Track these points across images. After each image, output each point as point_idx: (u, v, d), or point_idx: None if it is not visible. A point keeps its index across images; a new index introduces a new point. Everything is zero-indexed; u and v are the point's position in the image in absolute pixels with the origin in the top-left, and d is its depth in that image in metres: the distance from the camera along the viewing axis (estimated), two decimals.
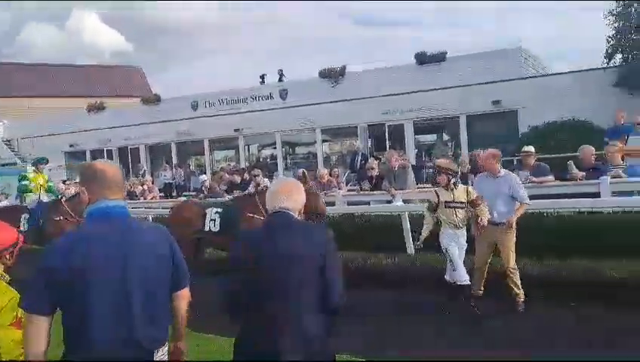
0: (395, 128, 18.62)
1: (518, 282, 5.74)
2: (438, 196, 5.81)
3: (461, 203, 5.71)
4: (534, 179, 7.55)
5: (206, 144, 22.07)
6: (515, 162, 11.47)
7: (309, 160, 20.84)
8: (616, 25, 14.33)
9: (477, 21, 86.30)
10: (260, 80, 22.11)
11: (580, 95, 15.02)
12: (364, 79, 19.12)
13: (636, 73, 13.88)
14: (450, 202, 5.73)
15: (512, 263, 5.72)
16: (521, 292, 5.71)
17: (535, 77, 17.56)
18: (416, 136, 19.50)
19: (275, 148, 21.36)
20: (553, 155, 9.45)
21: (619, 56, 14.69)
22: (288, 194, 2.60)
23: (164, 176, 18.75)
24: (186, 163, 22.73)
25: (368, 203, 9.34)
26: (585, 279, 5.70)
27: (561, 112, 14.73)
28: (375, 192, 9.41)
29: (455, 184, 5.80)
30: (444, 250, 5.79)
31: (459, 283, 5.62)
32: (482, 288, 5.91)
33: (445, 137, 20.42)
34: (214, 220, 6.54)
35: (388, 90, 18.05)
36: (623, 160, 7.32)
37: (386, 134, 18.76)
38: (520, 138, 15.54)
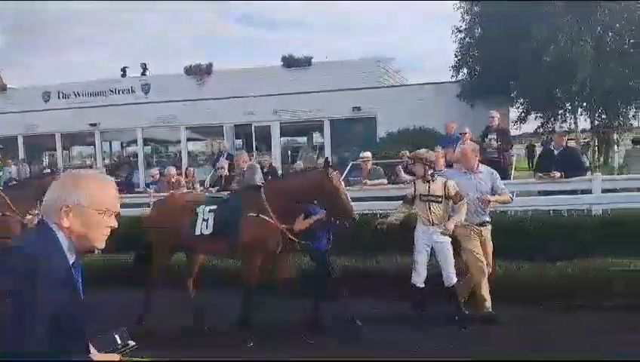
0: (261, 129, 18.67)
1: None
2: (415, 187, 5.39)
3: (437, 197, 5.24)
4: (369, 182, 7.97)
5: (58, 139, 20.37)
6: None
7: (175, 158, 20.15)
8: (462, 41, 15.67)
9: (357, 29, 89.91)
10: (121, 73, 20.90)
11: (430, 105, 16.21)
12: (230, 78, 18.92)
13: (476, 87, 15.31)
14: (425, 195, 5.27)
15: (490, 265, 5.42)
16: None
17: (392, 86, 18.66)
18: (283, 138, 19.77)
19: (145, 145, 20.33)
20: (391, 161, 10.07)
21: (466, 70, 16.07)
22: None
23: (9, 172, 17.03)
24: (39, 159, 20.82)
25: None
26: None
27: (413, 120, 15.81)
28: (221, 193, 9.28)
29: (432, 176, 5.33)
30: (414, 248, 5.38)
31: (415, 285, 5.31)
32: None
33: (310, 140, 20.96)
34: (207, 220, 5.24)
35: (255, 90, 18.07)
36: (444, 166, 7.99)
37: (253, 135, 18.76)
38: (378, 143, 16.47)
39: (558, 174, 6.91)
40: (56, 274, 1.58)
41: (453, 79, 16.30)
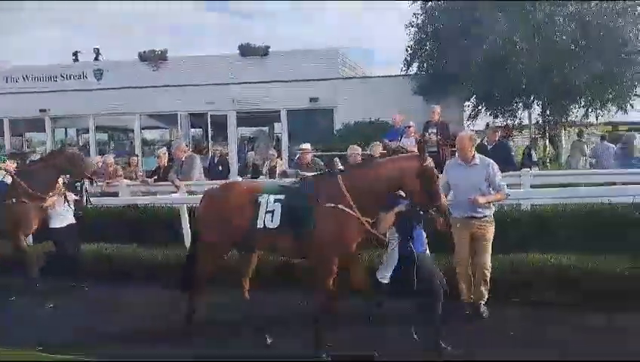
0: (218, 118, 18.36)
1: (488, 284, 5.18)
2: None
3: None
4: (307, 175, 7.87)
5: (6, 125, 19.62)
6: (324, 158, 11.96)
7: (131, 146, 19.67)
8: (416, 36, 15.67)
9: (320, 19, 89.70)
10: (73, 57, 20.22)
11: (387, 98, 16.19)
12: (186, 66, 18.51)
13: (430, 81, 15.35)
14: None
15: (488, 261, 5.15)
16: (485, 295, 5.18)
17: (351, 78, 18.57)
18: (240, 128, 19.49)
19: (102, 132, 19.75)
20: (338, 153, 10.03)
21: (417, 65, 16.11)
22: None
23: None
24: None
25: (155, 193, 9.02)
26: None
27: (371, 113, 15.78)
28: (162, 183, 9.09)
29: None
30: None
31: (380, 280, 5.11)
32: (471, 295, 5.24)
33: (268, 130, 20.74)
34: (272, 212, 4.59)
35: (211, 79, 17.74)
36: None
37: (209, 124, 18.44)
38: (334, 135, 16.41)
39: None
40: None
41: (405, 73, 16.31)
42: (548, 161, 15.06)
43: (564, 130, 15.98)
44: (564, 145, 15.73)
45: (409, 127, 9.68)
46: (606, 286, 5.22)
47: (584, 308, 5.18)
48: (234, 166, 15.97)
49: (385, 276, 5.16)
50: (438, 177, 4.36)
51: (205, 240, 4.96)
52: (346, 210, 4.32)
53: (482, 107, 15.75)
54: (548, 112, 14.52)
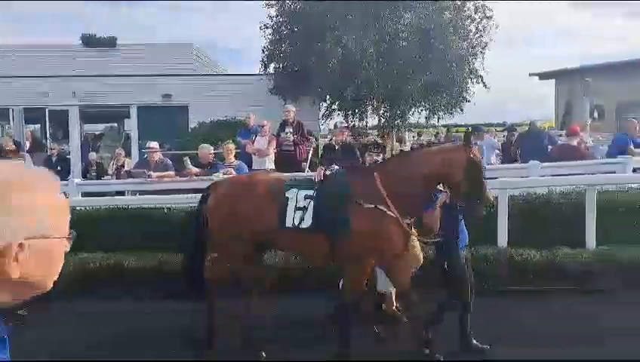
0: (57, 114, 16.72)
1: None
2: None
3: None
4: (154, 174, 7.50)
5: None
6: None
7: None
8: (271, 37, 15.82)
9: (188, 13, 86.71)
10: None
11: (243, 97, 16.09)
12: (16, 55, 16.58)
13: (286, 81, 15.60)
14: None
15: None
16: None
17: (206, 75, 18.16)
18: (88, 125, 18.01)
19: None
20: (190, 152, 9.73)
21: (274, 66, 16.30)
22: None
23: None
24: None
25: None
26: None
27: (226, 111, 15.54)
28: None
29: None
30: None
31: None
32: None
33: (120, 126, 19.46)
34: (303, 209, 4.01)
35: (51, 70, 16.10)
36: (236, 158, 7.88)
37: (47, 120, 16.72)
38: (190, 133, 15.88)
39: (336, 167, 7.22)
40: None
41: (262, 72, 16.41)
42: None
43: (408, 131, 17.37)
44: (408, 146, 17.06)
45: (263, 126, 9.70)
46: None
47: None
48: (77, 166, 14.67)
49: (386, 288, 4.75)
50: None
51: (217, 236, 4.33)
52: (382, 209, 3.90)
53: (335, 107, 16.41)
54: (388, 115, 15.64)
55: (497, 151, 10.78)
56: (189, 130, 16.23)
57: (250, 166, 8.59)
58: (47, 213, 1.01)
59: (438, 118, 16.43)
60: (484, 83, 15.23)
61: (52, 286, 1.05)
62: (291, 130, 10.01)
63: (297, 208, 4.04)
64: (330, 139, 8.72)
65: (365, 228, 3.90)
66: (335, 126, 10.30)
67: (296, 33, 15.11)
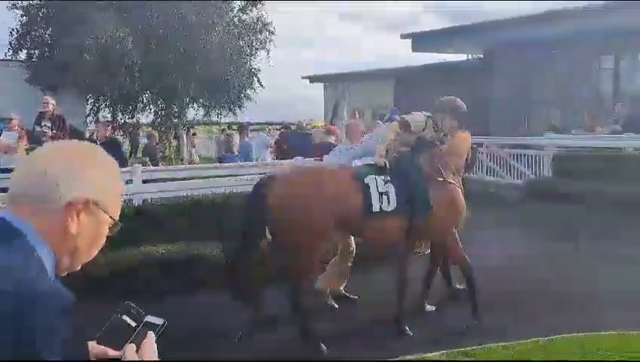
0: None
1: None
2: None
3: None
4: None
5: None
6: None
7: None
8: (22, 19, 13.96)
9: None
10: None
11: None
12: None
13: (45, 70, 13.94)
14: None
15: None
16: None
17: None
18: None
19: None
20: None
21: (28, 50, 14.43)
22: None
23: None
24: None
25: None
26: None
27: None
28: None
29: None
30: None
31: None
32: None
33: None
34: (386, 194, 4.13)
35: None
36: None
37: None
38: None
39: None
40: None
41: (11, 58, 14.40)
42: (172, 156, 15.84)
43: (185, 128, 17.12)
44: (185, 142, 16.83)
45: (11, 119, 8.51)
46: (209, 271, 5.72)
47: (187, 292, 5.57)
48: None
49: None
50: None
51: (289, 226, 4.12)
52: (452, 182, 4.41)
53: (101, 103, 15.31)
54: (163, 113, 15.27)
55: (270, 149, 11.37)
56: None
57: None
58: (112, 188, 1.10)
59: (218, 115, 16.58)
60: (260, 83, 15.88)
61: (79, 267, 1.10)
62: (49, 125, 9.00)
63: (381, 193, 4.20)
64: (92, 135, 8.08)
65: (447, 200, 4.37)
66: (97, 121, 9.58)
67: (52, 18, 13.60)
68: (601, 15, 14.60)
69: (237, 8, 15.48)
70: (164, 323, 1.11)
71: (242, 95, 16.06)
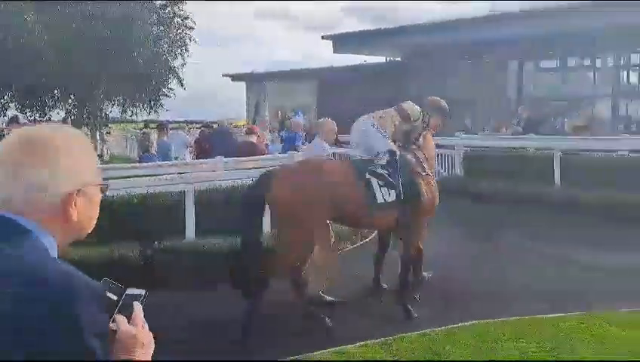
0: None
1: None
2: None
3: None
4: None
5: None
6: None
7: None
8: None
9: None
10: None
11: None
12: None
13: None
14: None
15: None
16: None
17: None
18: None
19: None
20: None
21: None
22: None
23: None
24: None
25: None
26: None
27: None
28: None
29: None
30: None
31: None
32: None
33: None
34: (385, 185, 4.55)
35: None
36: None
37: None
38: None
39: None
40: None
41: None
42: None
43: (104, 126, 16.34)
44: (98, 141, 16.05)
45: None
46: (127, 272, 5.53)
47: None
48: None
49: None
50: None
51: (303, 223, 4.32)
52: (429, 175, 4.91)
53: (10, 99, 14.29)
54: (77, 110, 14.52)
55: (190, 148, 11.13)
56: None
57: None
58: (94, 162, 1.16)
59: (133, 113, 15.98)
60: (181, 81, 15.47)
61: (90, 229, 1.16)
62: None
63: (380, 186, 4.55)
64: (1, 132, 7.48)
65: (430, 190, 4.79)
66: (10, 120, 8.82)
67: None
68: (510, 22, 15.65)
69: (157, 5, 14.98)
70: (146, 292, 1.14)
71: (160, 93, 15.59)
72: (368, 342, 4.06)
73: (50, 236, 1.05)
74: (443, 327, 4.24)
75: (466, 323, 4.31)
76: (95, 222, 1.17)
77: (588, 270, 5.58)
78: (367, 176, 4.58)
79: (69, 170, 1.06)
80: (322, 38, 20.74)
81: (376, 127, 4.82)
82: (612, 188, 7.79)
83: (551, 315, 4.42)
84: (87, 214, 1.12)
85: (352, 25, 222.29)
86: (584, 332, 4.10)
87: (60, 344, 0.90)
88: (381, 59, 22.73)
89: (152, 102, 15.68)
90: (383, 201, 4.53)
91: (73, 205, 1.07)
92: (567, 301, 4.74)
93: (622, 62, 16.51)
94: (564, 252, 6.17)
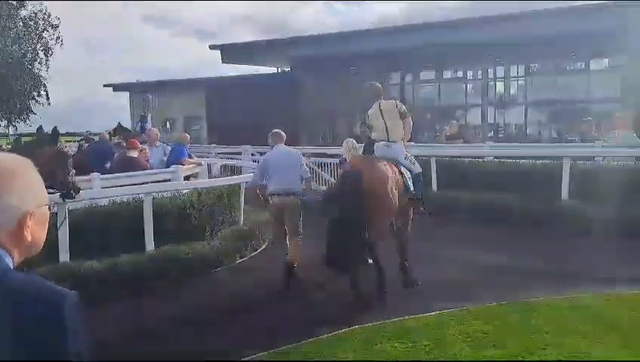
0: None
1: None
2: None
3: None
4: None
5: None
6: None
7: None
8: None
9: None
10: None
11: None
12: None
13: None
14: None
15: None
16: None
17: None
18: None
19: None
20: None
21: None
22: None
23: None
24: None
25: None
26: None
27: None
28: None
29: None
30: None
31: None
32: None
33: None
34: (410, 179, 5.62)
35: None
36: None
37: None
38: None
39: None
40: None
41: None
42: None
43: None
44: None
45: None
46: None
47: None
48: None
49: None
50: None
51: (385, 209, 5.19)
52: None
53: None
54: None
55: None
56: None
57: None
58: (42, 186, 1.22)
59: (7, 126, 14.61)
60: (46, 92, 14.33)
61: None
62: None
63: (408, 178, 5.50)
64: None
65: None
66: None
67: None
68: (392, 35, 16.58)
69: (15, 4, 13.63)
70: None
71: (27, 105, 14.24)
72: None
73: (9, 256, 1.12)
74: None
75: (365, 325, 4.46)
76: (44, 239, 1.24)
77: (461, 266, 6.03)
78: (402, 170, 5.50)
79: (25, 192, 1.14)
80: (210, 47, 20.41)
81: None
82: (481, 190, 8.52)
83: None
84: (39, 231, 1.20)
85: (243, 35, 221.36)
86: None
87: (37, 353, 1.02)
88: (273, 69, 22.93)
89: (17, 117, 14.32)
90: (413, 191, 5.52)
91: (27, 226, 1.14)
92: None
93: (489, 75, 18.11)
94: (439, 250, 6.57)
